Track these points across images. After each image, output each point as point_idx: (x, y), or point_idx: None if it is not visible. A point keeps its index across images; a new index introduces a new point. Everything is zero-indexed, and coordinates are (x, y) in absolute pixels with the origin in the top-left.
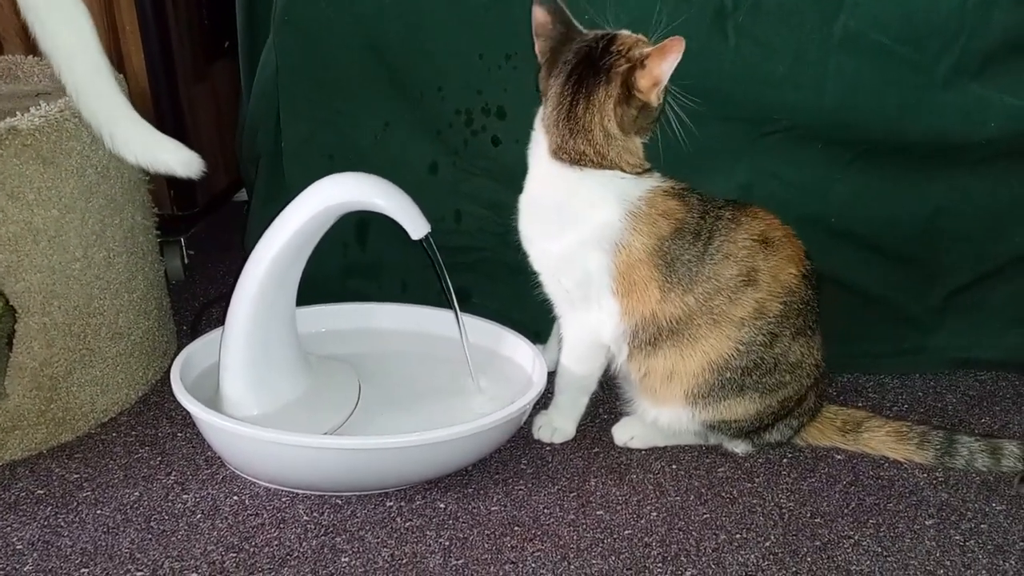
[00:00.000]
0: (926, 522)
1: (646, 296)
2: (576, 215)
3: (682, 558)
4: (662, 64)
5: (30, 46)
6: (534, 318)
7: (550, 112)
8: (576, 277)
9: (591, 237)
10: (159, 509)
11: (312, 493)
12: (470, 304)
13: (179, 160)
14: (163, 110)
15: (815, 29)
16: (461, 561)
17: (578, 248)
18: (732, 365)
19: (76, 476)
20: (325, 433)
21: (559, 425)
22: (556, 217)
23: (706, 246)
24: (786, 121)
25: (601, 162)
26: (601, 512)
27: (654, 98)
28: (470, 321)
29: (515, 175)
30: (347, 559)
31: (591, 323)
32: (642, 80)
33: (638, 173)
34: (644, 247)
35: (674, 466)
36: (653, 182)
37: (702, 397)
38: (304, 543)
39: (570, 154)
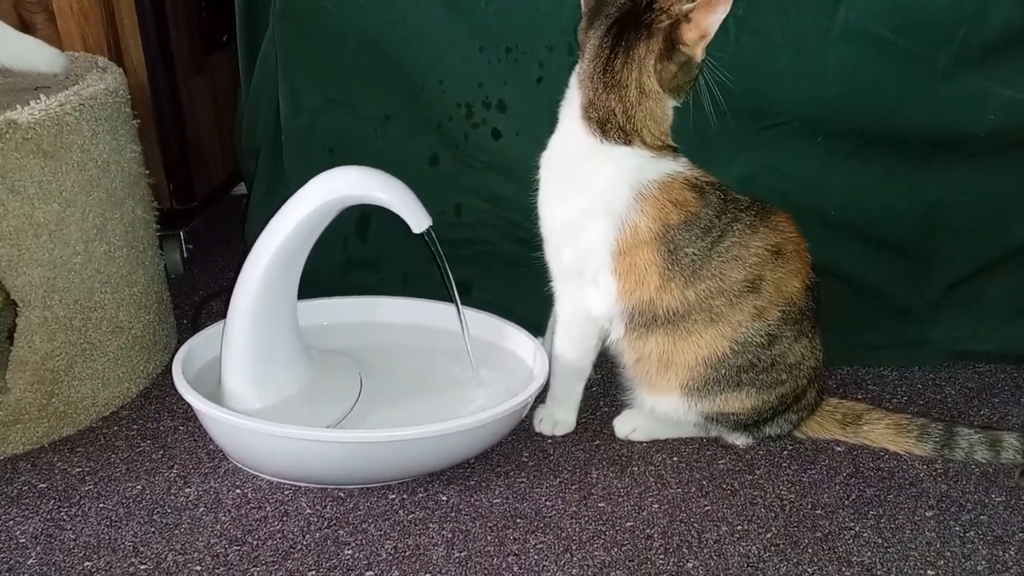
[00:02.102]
0: (926, 513)
1: (645, 280)
2: (586, 184)
3: (684, 550)
4: (710, 16)
5: None
6: (534, 311)
7: (587, 66)
8: (576, 248)
9: (597, 209)
10: (162, 502)
11: (315, 486)
12: (471, 297)
13: (43, 57)
14: (161, 103)
15: (815, 21)
16: (464, 553)
17: (582, 218)
18: (728, 363)
19: (78, 470)
20: (327, 426)
21: (559, 417)
22: (568, 181)
23: (715, 244)
24: (786, 114)
25: (625, 125)
26: (603, 504)
27: (700, 52)
28: (471, 314)
29: (516, 168)
30: (350, 552)
31: (586, 299)
32: (688, 33)
33: (658, 147)
34: (649, 230)
35: (675, 458)
36: (675, 166)
37: (697, 389)
38: (307, 536)
39: (600, 111)
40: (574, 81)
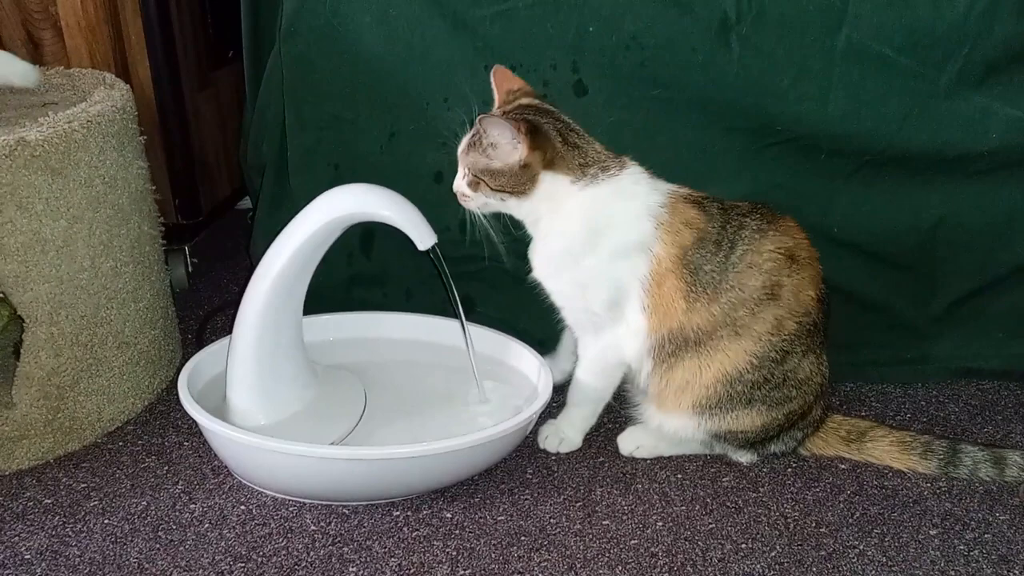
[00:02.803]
0: (930, 532)
1: (672, 308)
2: (612, 227)
3: (688, 568)
4: None
5: (37, 56)
6: (538, 326)
7: (575, 142)
8: (608, 295)
9: (633, 243)
10: (166, 519)
11: (319, 502)
12: (474, 313)
13: (16, 72)
14: (168, 118)
15: (818, 40)
16: (468, 571)
17: (615, 259)
18: (744, 379)
19: (83, 485)
20: (331, 443)
21: (566, 435)
22: (588, 237)
23: (728, 255)
24: (789, 132)
25: (612, 153)
26: (607, 522)
27: None
28: (475, 330)
29: None
30: (355, 569)
31: (615, 343)
32: None
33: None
34: (669, 256)
35: (679, 476)
36: (669, 186)
37: (710, 408)
38: (312, 553)
39: (592, 157)
40: (548, 178)
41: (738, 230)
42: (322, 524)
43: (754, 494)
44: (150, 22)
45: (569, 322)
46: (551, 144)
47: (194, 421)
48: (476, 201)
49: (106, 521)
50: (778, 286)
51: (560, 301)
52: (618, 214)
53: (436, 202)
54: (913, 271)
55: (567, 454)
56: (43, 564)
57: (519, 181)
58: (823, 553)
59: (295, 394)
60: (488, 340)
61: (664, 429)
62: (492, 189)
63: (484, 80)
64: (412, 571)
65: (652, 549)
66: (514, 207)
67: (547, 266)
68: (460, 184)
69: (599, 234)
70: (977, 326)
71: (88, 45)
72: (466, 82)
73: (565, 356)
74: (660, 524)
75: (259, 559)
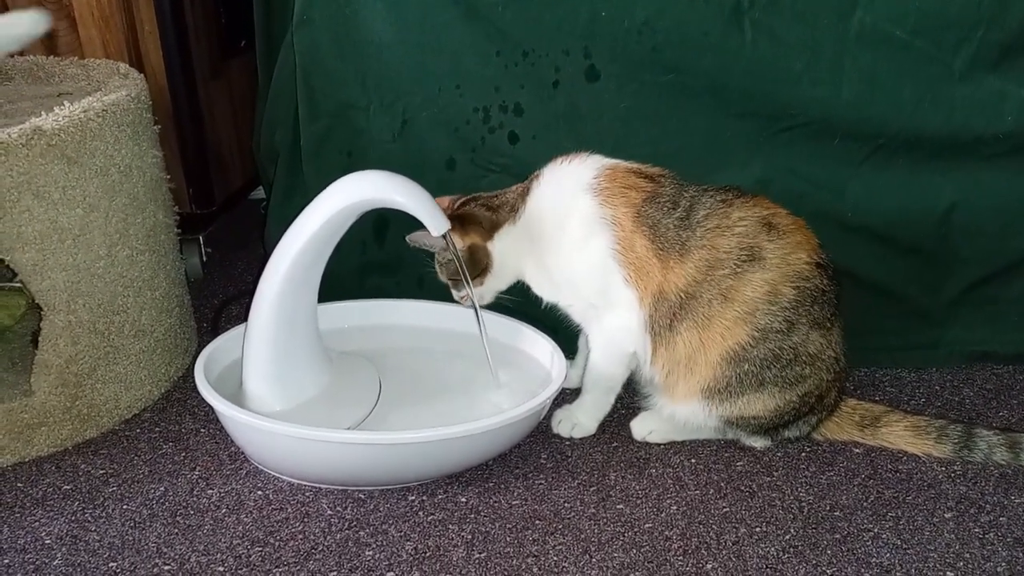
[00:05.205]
0: (945, 515)
1: (650, 268)
2: (560, 217)
3: (703, 551)
4: None
5: (51, 47)
6: (551, 313)
7: (497, 203)
8: (594, 281)
9: (582, 221)
10: (184, 504)
11: (335, 487)
12: None
13: (23, 23)
14: (180, 108)
15: (831, 24)
16: (484, 554)
17: (579, 243)
18: (750, 355)
19: (102, 472)
20: (347, 428)
21: (579, 420)
22: (551, 241)
23: (688, 214)
24: (803, 116)
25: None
26: (621, 506)
27: None
28: (489, 317)
29: (533, 171)
30: (371, 552)
31: (619, 323)
32: None
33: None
34: (626, 216)
35: (693, 460)
36: (611, 161)
37: (719, 392)
38: (328, 537)
39: (518, 194)
40: (503, 247)
41: (698, 196)
42: (338, 509)
43: (768, 478)
44: (162, 12)
45: (578, 320)
46: (477, 217)
47: (210, 408)
48: (484, 292)
49: (125, 507)
50: (757, 248)
51: (565, 302)
52: (556, 205)
53: (449, 188)
54: (927, 255)
55: (580, 439)
56: (63, 549)
57: (481, 259)
58: (838, 536)
59: (310, 380)
60: (501, 327)
61: (677, 417)
62: (476, 277)
63: (497, 67)
64: (428, 555)
65: (666, 533)
66: (505, 270)
67: (545, 286)
68: (467, 297)
69: (557, 233)
70: (991, 310)
71: (101, 35)
72: (478, 69)
73: (583, 364)
74: (674, 508)
75: (276, 543)
